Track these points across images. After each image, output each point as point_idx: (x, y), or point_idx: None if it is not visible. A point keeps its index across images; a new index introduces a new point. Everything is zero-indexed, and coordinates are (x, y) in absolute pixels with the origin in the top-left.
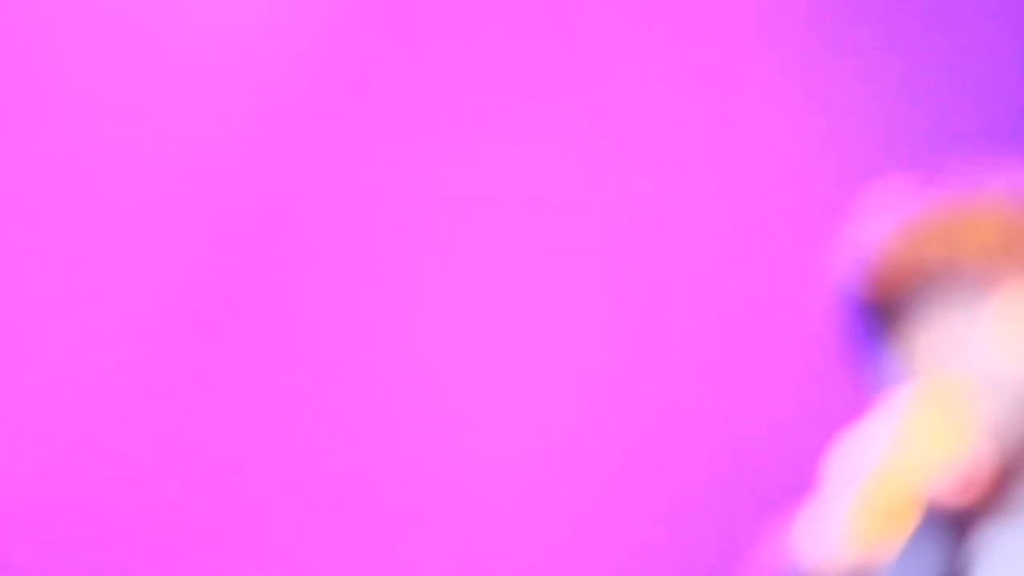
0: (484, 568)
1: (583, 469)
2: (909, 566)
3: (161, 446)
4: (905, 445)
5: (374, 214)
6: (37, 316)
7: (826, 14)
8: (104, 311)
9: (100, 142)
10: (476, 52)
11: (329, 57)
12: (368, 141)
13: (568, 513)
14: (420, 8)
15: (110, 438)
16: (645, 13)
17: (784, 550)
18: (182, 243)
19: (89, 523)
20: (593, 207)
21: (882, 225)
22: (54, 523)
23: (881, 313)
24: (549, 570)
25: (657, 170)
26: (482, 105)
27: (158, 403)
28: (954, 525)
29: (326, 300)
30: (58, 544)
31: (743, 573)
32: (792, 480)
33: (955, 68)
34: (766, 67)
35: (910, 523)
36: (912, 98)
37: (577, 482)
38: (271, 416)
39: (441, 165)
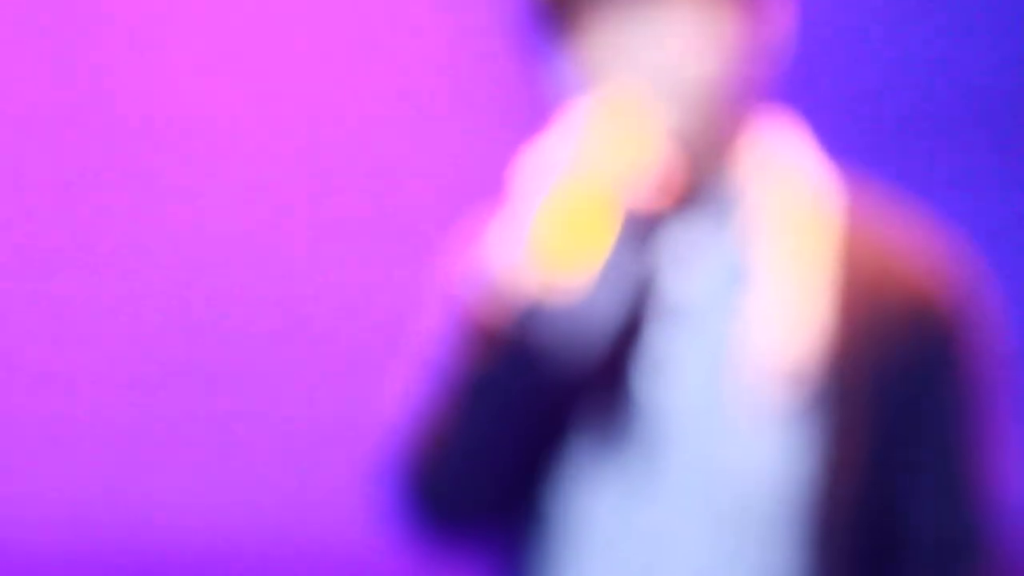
0: None
1: None
2: (612, 278)
3: None
4: (592, 153)
5: None
6: None
7: None
8: None
9: None
10: None
11: None
12: None
13: None
14: None
15: None
16: None
17: (471, 265)
18: None
19: None
20: None
21: None
22: None
23: (553, 15)
24: None
25: None
26: None
27: None
28: (647, 231)
29: None
30: None
31: (428, 286)
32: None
33: None
34: None
35: (606, 234)
36: None
37: None
38: None
39: None
